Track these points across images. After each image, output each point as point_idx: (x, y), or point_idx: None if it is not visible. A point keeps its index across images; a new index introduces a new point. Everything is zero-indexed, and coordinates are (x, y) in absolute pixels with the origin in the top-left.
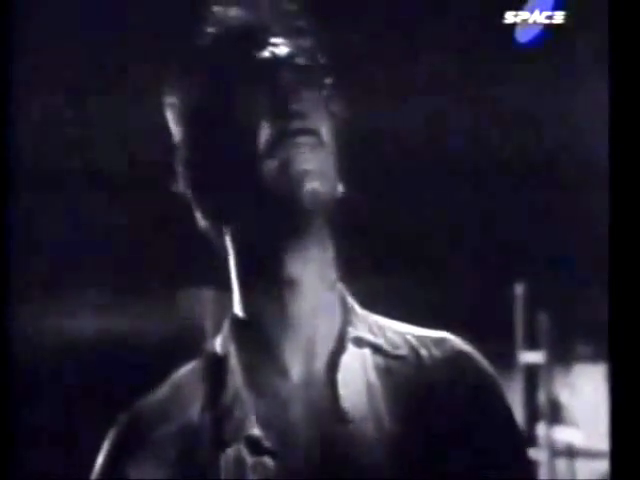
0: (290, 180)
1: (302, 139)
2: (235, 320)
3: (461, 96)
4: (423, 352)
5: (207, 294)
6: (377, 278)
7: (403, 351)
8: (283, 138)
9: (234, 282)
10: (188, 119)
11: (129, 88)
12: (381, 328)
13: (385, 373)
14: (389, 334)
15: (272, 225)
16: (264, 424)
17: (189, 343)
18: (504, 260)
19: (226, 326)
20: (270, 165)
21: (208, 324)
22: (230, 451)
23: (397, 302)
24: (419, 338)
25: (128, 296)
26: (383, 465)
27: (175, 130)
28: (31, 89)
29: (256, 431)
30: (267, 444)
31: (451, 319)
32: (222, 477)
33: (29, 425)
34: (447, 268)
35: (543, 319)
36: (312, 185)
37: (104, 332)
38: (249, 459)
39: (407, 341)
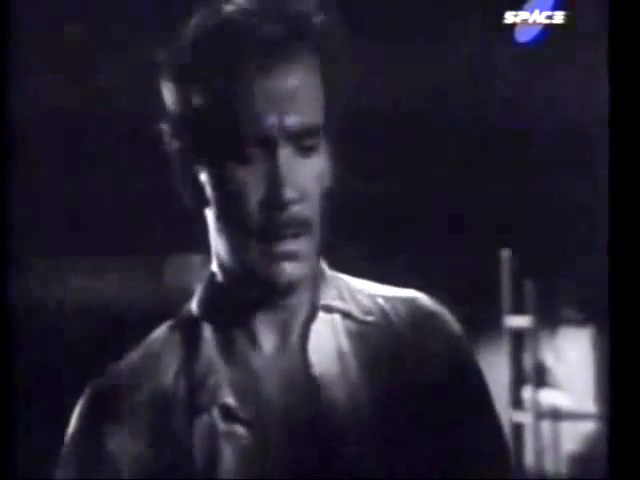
0: (270, 262)
1: (290, 231)
2: (212, 284)
3: (460, 84)
4: (393, 314)
5: (196, 259)
6: (360, 243)
7: (373, 317)
8: (271, 228)
9: (212, 247)
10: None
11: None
12: (351, 291)
13: (356, 337)
14: (359, 297)
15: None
16: (237, 393)
17: (178, 307)
18: (491, 225)
19: (201, 288)
20: (255, 247)
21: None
22: (203, 419)
23: (381, 267)
24: (389, 300)
25: (119, 261)
26: (355, 430)
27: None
28: (29, 54)
29: (229, 400)
30: (240, 413)
31: (437, 284)
32: (195, 444)
33: (27, 386)
34: (433, 233)
35: (529, 284)
36: (290, 270)
37: (95, 296)
38: (222, 427)
39: (377, 304)
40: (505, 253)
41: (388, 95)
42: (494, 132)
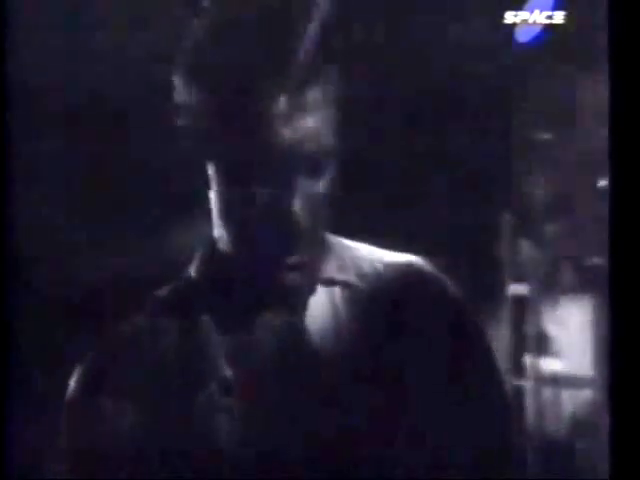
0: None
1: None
2: (212, 252)
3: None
4: (391, 281)
5: (199, 222)
6: (360, 206)
7: (371, 284)
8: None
9: (214, 218)
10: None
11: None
12: (353, 258)
13: (354, 305)
14: (359, 263)
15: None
16: (235, 366)
17: (180, 270)
18: (491, 191)
19: (200, 255)
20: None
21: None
22: (203, 392)
23: (380, 231)
24: (388, 266)
25: (125, 226)
26: (353, 403)
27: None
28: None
29: (228, 373)
30: (238, 387)
31: (437, 251)
32: (194, 415)
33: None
34: (433, 199)
35: (530, 252)
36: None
37: (95, 259)
38: (220, 400)
39: (376, 270)
40: (506, 219)
41: (387, 94)
42: (493, 129)
